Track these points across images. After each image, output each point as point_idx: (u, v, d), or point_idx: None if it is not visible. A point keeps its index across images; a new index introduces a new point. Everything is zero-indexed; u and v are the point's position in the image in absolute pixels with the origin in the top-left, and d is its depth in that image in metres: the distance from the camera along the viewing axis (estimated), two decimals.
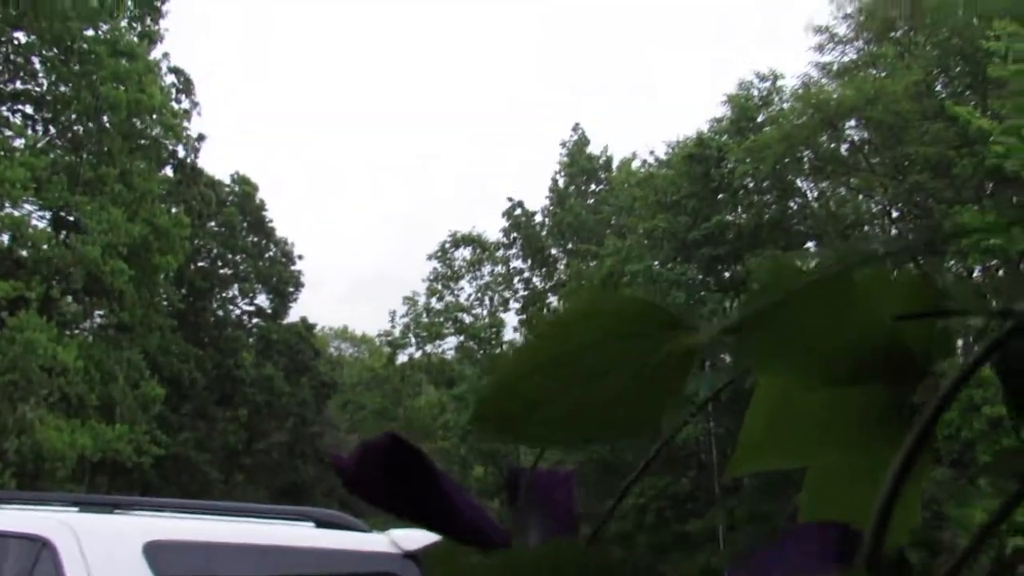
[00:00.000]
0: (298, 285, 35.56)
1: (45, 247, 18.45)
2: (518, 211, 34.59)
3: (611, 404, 0.37)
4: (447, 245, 34.70)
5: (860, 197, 24.30)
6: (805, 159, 23.97)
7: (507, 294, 34.58)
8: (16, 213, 17.82)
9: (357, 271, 78.77)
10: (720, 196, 26.38)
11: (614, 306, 0.38)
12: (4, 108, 19.02)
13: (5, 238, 18.40)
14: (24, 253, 18.69)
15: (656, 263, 26.07)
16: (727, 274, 26.14)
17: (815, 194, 26.06)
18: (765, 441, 0.44)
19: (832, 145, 23.00)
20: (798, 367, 0.41)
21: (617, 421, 0.38)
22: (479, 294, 34.67)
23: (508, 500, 0.44)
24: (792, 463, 0.45)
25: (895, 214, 23.01)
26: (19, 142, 18.54)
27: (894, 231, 23.78)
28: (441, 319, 34.14)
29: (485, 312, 34.36)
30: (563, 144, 34.80)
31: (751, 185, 26.03)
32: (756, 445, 0.45)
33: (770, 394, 0.44)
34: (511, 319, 33.95)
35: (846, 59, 23.11)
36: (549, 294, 34.08)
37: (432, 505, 0.40)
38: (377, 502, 0.40)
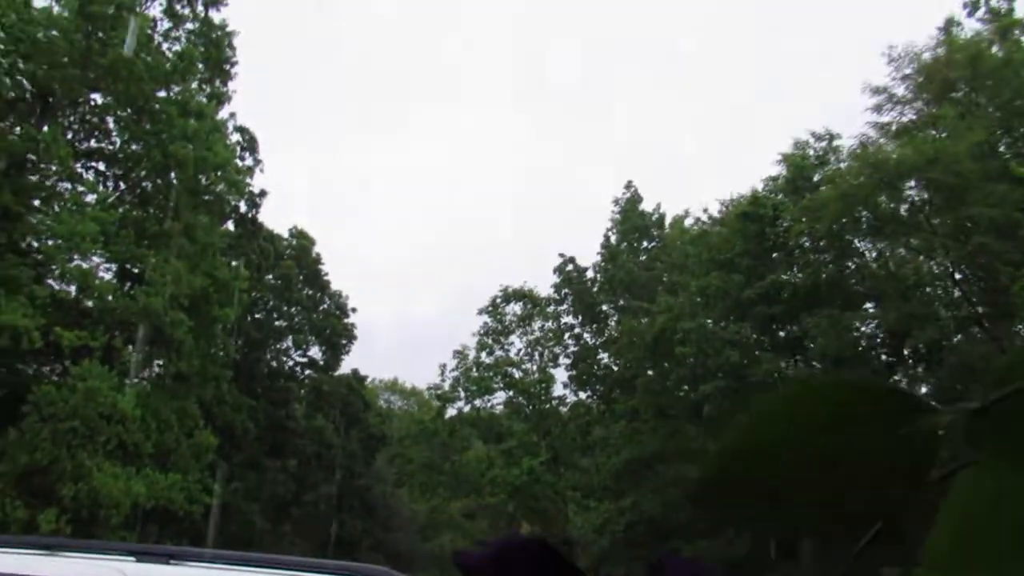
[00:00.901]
0: (351, 338, 35.99)
1: (110, 298, 18.75)
2: (570, 267, 34.62)
3: (843, 490, 0.34)
4: (498, 300, 34.53)
5: (921, 258, 23.49)
6: (863, 219, 23.21)
7: (557, 350, 34.22)
8: (84, 265, 18.32)
9: (409, 324, 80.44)
10: (775, 255, 25.99)
11: (847, 387, 0.34)
12: (78, 165, 19.69)
13: (73, 289, 18.87)
14: (90, 304, 19.04)
15: (709, 321, 25.53)
16: (782, 333, 25.24)
17: (874, 254, 25.09)
18: (961, 545, 0.37)
19: (891, 205, 22.42)
20: None
21: (850, 509, 0.35)
22: (529, 349, 34.41)
23: None
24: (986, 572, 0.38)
25: (958, 276, 22.21)
26: (91, 197, 19.19)
27: (957, 293, 22.93)
28: (491, 373, 33.92)
29: (535, 367, 34.05)
30: (616, 201, 34.83)
31: (807, 244, 25.51)
32: (951, 548, 0.37)
33: (975, 491, 0.37)
34: (561, 375, 33.82)
35: (905, 119, 22.63)
36: (600, 350, 33.66)
37: None
38: None
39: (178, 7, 20.36)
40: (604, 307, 33.79)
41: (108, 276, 20.05)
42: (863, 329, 23.65)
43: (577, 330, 33.94)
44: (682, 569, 0.39)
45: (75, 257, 17.77)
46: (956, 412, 0.35)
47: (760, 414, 0.35)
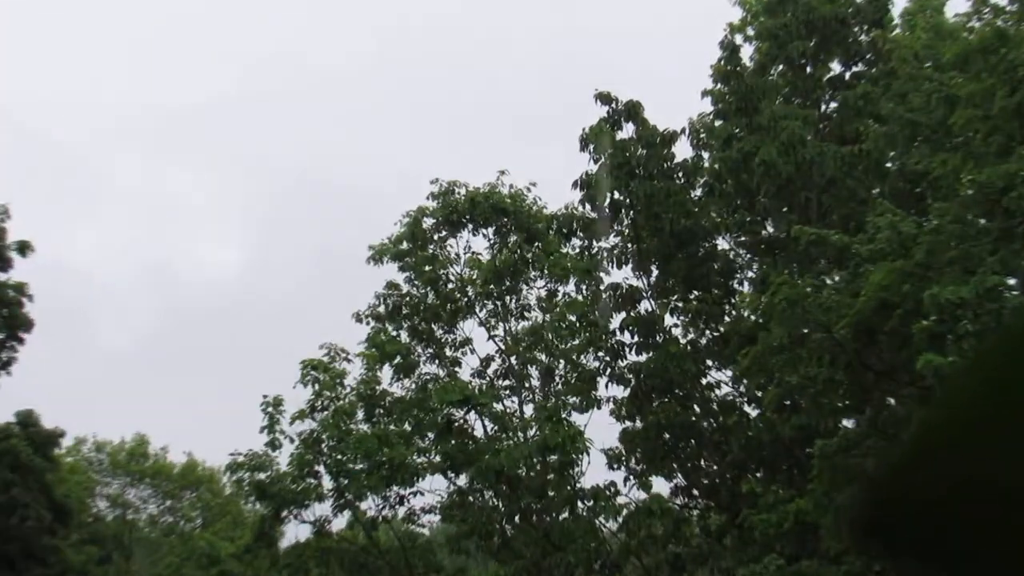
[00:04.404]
0: (17, 326, 37.86)
1: None
2: (610, 110, 31.63)
3: None
4: (438, 192, 35.14)
5: None
6: None
7: (591, 359, 33.21)
8: None
9: (177, 290, 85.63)
10: None
11: None
12: None
13: None
14: None
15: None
16: None
17: None
18: None
19: None
20: None
21: None
22: (518, 360, 34.64)
23: None
24: None
25: None
26: None
27: None
28: (410, 420, 33.15)
29: (534, 406, 33.74)
30: None
31: None
32: None
33: None
34: (602, 426, 32.32)
35: None
36: (710, 359, 31.97)
37: None
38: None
39: None
40: (721, 242, 32.63)
41: None
42: None
43: (648, 306, 31.97)
44: None
45: None
46: None
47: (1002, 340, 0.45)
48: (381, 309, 35.26)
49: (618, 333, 32.23)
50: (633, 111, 31.44)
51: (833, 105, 32.95)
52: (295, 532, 33.32)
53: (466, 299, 35.72)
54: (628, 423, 31.83)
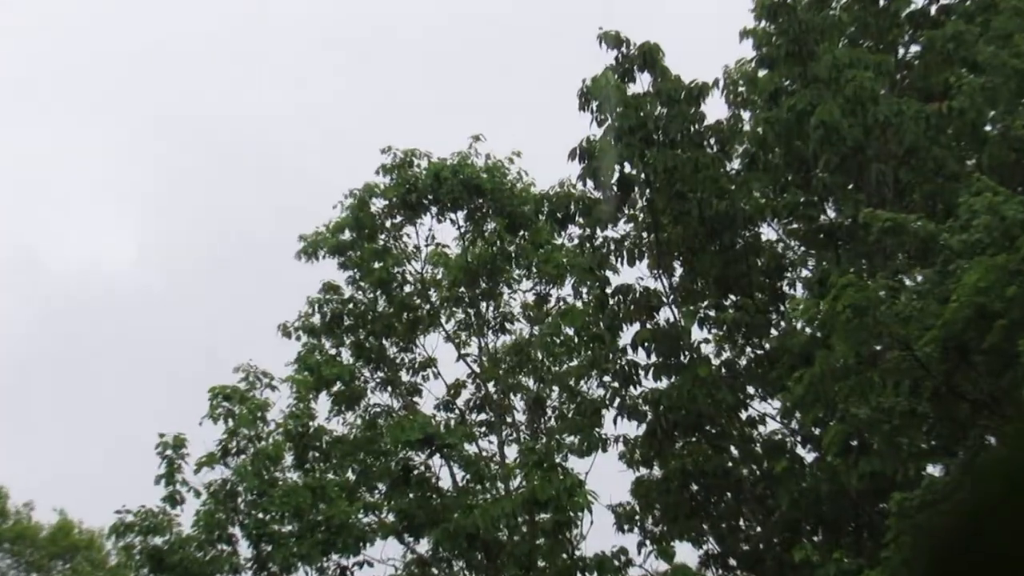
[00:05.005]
0: None
1: None
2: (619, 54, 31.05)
3: None
4: (392, 164, 35.29)
5: None
6: None
7: (591, 386, 33.59)
8: None
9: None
10: None
11: None
12: None
13: None
14: None
15: None
16: None
17: None
18: None
19: None
20: None
21: None
22: (495, 384, 35.33)
23: None
24: None
25: None
26: None
27: None
28: (354, 460, 33.99)
29: (519, 447, 33.92)
30: None
31: None
32: None
33: None
34: (609, 470, 33.08)
35: None
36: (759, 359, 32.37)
37: None
38: None
39: None
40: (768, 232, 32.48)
41: None
42: None
43: (670, 314, 31.70)
44: None
45: None
46: None
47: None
48: (316, 319, 34.86)
49: (630, 351, 31.48)
50: (650, 57, 30.16)
51: (915, 49, 32.14)
52: None
53: (429, 306, 35.45)
54: (643, 470, 31.89)
